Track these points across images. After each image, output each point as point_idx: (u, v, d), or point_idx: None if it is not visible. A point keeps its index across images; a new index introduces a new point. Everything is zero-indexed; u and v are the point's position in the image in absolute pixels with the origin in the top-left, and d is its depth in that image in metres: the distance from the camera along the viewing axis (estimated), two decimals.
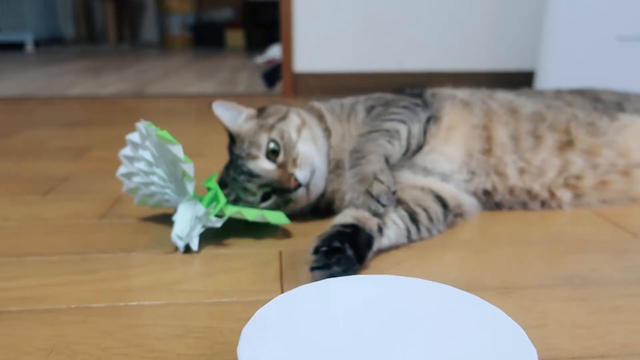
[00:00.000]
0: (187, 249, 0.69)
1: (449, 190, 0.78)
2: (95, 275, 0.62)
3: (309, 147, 0.77)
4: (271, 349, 0.38)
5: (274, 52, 3.36)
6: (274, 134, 0.77)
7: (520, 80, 2.01)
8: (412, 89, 0.90)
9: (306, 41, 2.18)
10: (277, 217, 0.72)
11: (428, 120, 0.82)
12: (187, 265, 0.65)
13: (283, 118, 0.80)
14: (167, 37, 5.76)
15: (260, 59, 3.59)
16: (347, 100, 0.88)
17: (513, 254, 0.68)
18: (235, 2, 5.75)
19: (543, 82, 1.72)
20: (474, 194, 0.82)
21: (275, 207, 0.76)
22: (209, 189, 0.73)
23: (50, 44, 5.16)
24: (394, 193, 0.68)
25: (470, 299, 0.44)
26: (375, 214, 0.66)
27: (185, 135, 1.45)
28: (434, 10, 2.19)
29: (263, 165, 0.75)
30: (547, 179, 0.82)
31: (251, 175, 0.75)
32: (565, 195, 0.83)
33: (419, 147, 0.80)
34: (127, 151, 0.74)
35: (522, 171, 0.81)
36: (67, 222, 0.79)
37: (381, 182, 0.67)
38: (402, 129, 0.77)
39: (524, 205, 0.84)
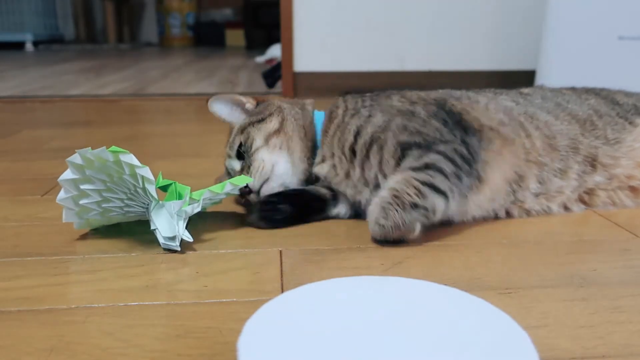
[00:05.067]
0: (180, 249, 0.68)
1: None
2: (95, 275, 0.62)
3: (272, 157, 0.78)
4: (271, 349, 0.38)
5: (275, 51, 3.36)
6: (243, 137, 0.80)
7: (521, 80, 2.01)
8: (452, 112, 0.77)
9: (306, 41, 2.18)
10: (241, 179, 0.73)
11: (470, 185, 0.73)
12: (187, 265, 0.64)
13: (262, 120, 0.81)
14: (167, 37, 5.76)
15: (261, 59, 3.59)
16: (378, 118, 0.76)
17: (513, 254, 0.68)
18: (236, 1, 5.75)
19: (544, 82, 1.72)
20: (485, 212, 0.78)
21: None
22: (164, 188, 0.72)
23: (50, 43, 5.16)
24: None
25: (471, 299, 0.44)
26: None
27: (185, 135, 1.45)
28: (435, 10, 2.19)
29: (233, 165, 0.81)
30: (565, 196, 0.81)
31: (228, 173, 0.82)
32: (578, 208, 0.83)
33: None
34: (68, 174, 0.67)
35: (538, 195, 0.79)
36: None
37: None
38: (440, 207, 0.67)
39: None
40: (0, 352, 0.47)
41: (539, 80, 1.77)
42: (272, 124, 0.80)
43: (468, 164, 0.71)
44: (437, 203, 0.67)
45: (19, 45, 4.84)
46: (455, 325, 0.41)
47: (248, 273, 0.63)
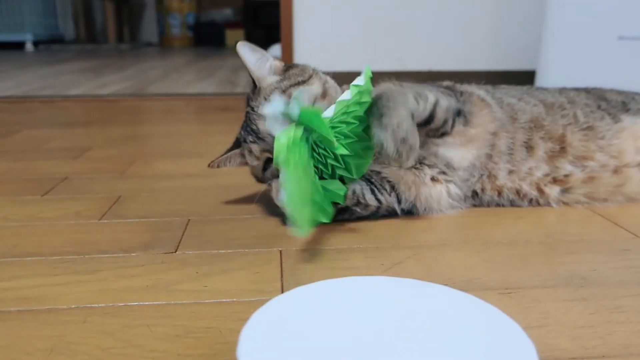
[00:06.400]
0: None
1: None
2: (95, 275, 0.62)
3: None
4: (271, 349, 0.38)
5: (275, 51, 3.36)
6: (285, 99, 0.74)
7: (521, 80, 2.01)
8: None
9: (306, 41, 2.18)
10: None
11: (459, 113, 0.79)
12: (187, 265, 0.65)
13: (302, 82, 0.76)
14: (167, 37, 5.76)
15: None
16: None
17: (513, 254, 0.68)
18: (236, 2, 5.76)
19: (544, 81, 1.72)
20: (464, 194, 0.82)
21: (270, 178, 0.76)
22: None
23: (50, 43, 5.16)
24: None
25: (470, 299, 0.44)
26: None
27: (185, 135, 1.45)
28: (434, 10, 2.19)
29: (270, 129, 0.74)
30: (535, 178, 0.83)
31: (257, 136, 0.75)
32: (553, 190, 0.84)
33: (442, 132, 0.78)
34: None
35: (510, 172, 0.82)
36: (67, 222, 0.79)
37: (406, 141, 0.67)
38: (430, 96, 0.75)
39: (512, 203, 0.84)
40: (0, 352, 0.47)
41: (539, 80, 1.77)
42: (316, 86, 0.77)
43: (457, 99, 0.80)
44: (429, 95, 0.75)
45: (19, 45, 4.84)
46: (455, 325, 0.41)
47: (248, 273, 0.63)
